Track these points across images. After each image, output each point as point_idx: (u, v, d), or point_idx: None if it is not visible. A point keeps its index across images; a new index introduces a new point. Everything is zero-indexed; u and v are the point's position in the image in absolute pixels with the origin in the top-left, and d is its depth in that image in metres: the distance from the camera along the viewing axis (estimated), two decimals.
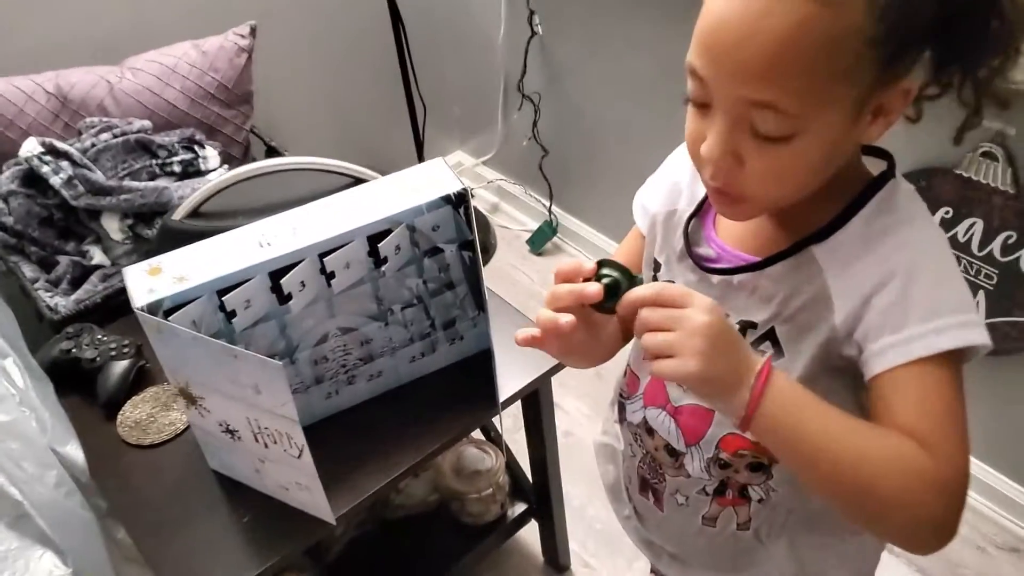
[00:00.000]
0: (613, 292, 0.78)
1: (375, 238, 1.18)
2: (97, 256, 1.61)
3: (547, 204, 2.57)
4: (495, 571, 1.80)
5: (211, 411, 1.17)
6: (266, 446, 1.15)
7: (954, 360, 0.74)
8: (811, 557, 0.95)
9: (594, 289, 0.77)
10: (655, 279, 0.96)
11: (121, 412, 1.39)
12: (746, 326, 0.84)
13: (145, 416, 1.38)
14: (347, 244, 1.17)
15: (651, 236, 0.96)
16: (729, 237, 0.88)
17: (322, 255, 1.16)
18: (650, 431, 0.98)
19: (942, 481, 0.71)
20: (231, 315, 1.15)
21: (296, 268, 1.15)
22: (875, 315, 0.76)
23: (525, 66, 2.31)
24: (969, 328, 0.74)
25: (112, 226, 1.60)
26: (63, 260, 1.60)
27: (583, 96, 2.27)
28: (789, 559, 0.94)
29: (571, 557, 1.79)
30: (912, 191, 0.81)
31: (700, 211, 0.91)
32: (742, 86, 0.70)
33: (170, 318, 1.11)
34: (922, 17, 0.68)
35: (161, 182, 1.61)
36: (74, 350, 1.44)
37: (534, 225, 2.64)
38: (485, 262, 2.61)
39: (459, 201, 1.21)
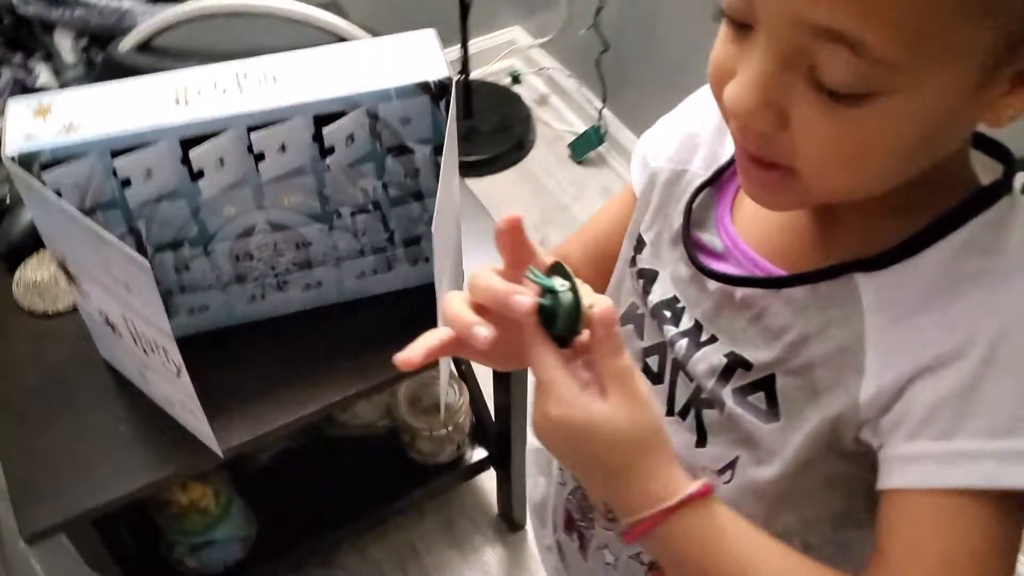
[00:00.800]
0: (551, 317, 0.52)
1: (323, 120, 0.93)
2: (43, 75, 1.37)
3: (599, 107, 2.27)
4: (443, 513, 1.60)
5: (90, 296, 0.95)
6: (146, 352, 0.93)
7: (1011, 502, 0.49)
8: None
9: (524, 306, 0.52)
10: (633, 261, 0.69)
11: (22, 267, 1.18)
12: (737, 363, 0.59)
13: (47, 278, 1.17)
14: (284, 121, 0.91)
15: (644, 199, 0.69)
16: (748, 229, 0.62)
17: (251, 128, 0.91)
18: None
19: None
20: (126, 183, 0.92)
21: (213, 140, 0.90)
22: (921, 402, 0.51)
23: None
24: None
25: (64, 44, 1.36)
26: (5, 73, 1.37)
27: None
28: None
29: (527, 516, 1.57)
30: None
31: (717, 181, 0.64)
32: (811, 4, 0.43)
33: (47, 174, 0.88)
34: None
35: (126, 2, 1.35)
36: None
37: (581, 128, 2.35)
38: (518, 160, 2.34)
39: (440, 92, 0.95)
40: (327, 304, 1.12)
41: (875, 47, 0.42)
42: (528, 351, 0.53)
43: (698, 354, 0.61)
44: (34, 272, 1.17)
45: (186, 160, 0.91)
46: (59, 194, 0.89)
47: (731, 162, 0.63)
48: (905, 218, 0.53)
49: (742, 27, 0.48)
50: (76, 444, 1.02)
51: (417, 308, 1.01)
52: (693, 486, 0.52)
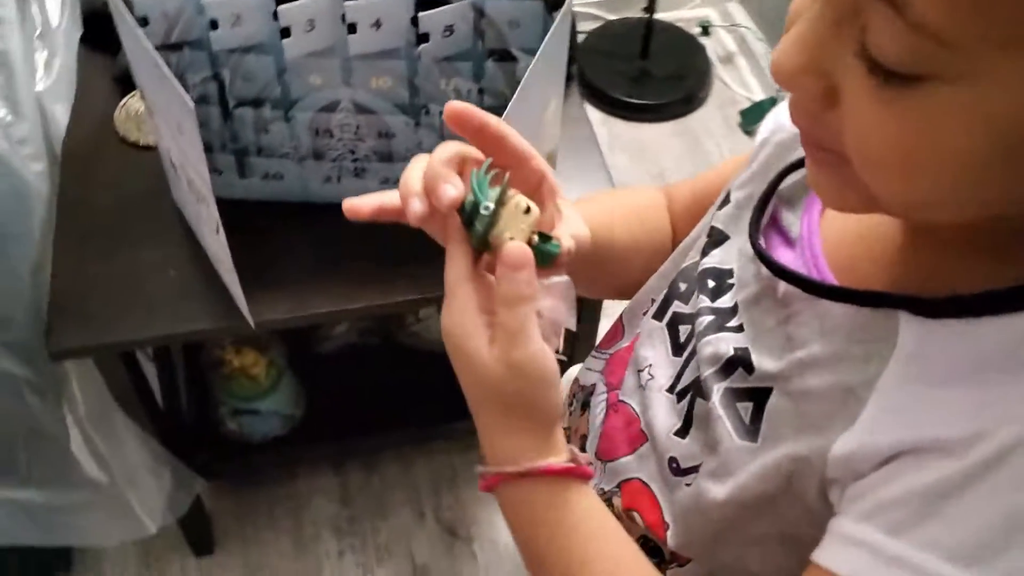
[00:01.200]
0: (468, 224, 0.48)
1: (425, 3, 0.86)
2: None
3: None
4: None
5: (160, 131, 0.93)
6: (196, 202, 0.91)
7: None
8: None
9: (444, 198, 0.46)
10: (716, 212, 0.60)
11: (131, 95, 1.18)
12: (740, 362, 0.51)
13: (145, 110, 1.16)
14: None
15: (753, 155, 0.60)
16: (832, 224, 0.52)
17: None
18: (585, 406, 0.67)
19: None
20: (213, 25, 0.88)
21: None
22: (896, 484, 0.41)
23: None
24: None
25: None
26: None
27: None
28: None
29: None
30: None
31: None
32: None
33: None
34: None
35: None
36: None
37: (759, 97, 2.20)
38: (682, 114, 2.21)
39: (556, 2, 0.86)
40: None
41: (923, 12, 0.32)
42: (446, 247, 0.50)
43: (714, 336, 0.54)
44: (139, 102, 1.16)
45: (277, 15, 0.87)
46: (146, 21, 0.87)
47: None
48: (988, 271, 0.42)
49: None
50: (123, 277, 1.02)
51: None
52: (547, 462, 0.49)
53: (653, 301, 0.64)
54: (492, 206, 0.47)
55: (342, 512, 1.45)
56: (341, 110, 0.96)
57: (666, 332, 0.60)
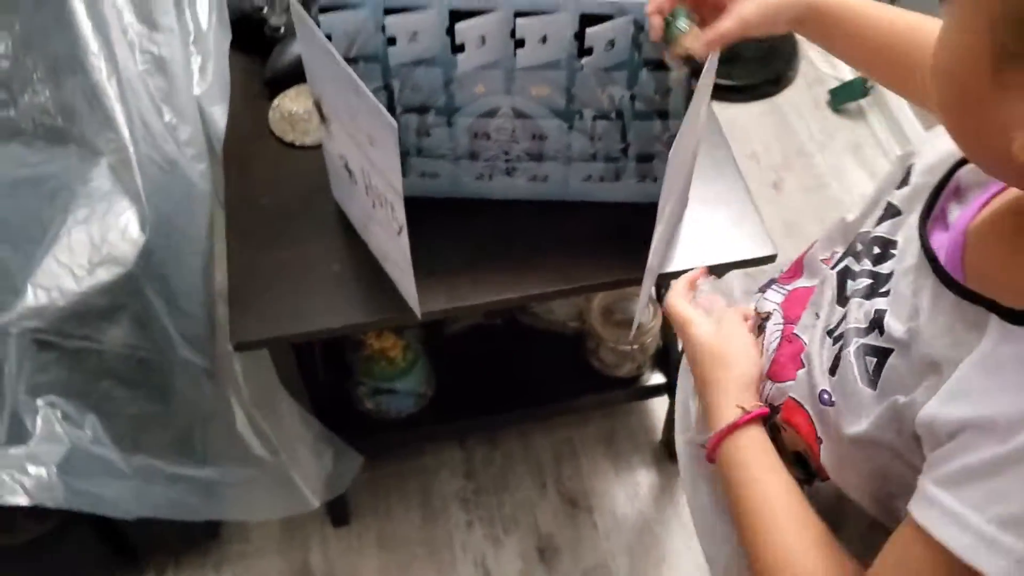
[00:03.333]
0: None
1: (589, 20, 0.92)
2: None
3: None
4: (608, 424, 1.62)
5: (335, 138, 1.00)
6: (373, 205, 0.98)
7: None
8: None
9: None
10: (902, 183, 0.68)
11: (281, 96, 1.26)
12: (877, 324, 0.62)
13: (300, 111, 1.24)
14: (551, 13, 0.91)
15: (939, 134, 0.66)
16: (979, 224, 0.59)
17: (518, 14, 0.92)
18: (761, 329, 0.79)
19: None
20: (391, 41, 0.95)
21: (481, 17, 0.92)
22: (957, 455, 0.52)
23: None
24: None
25: None
26: None
27: None
28: None
29: None
30: None
31: None
32: None
33: (324, 17, 0.93)
34: None
35: None
36: (266, 9, 1.30)
37: (848, 76, 2.22)
38: (772, 93, 2.25)
39: None
40: (548, 199, 1.13)
41: None
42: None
43: (868, 301, 0.64)
44: (291, 103, 1.24)
45: (450, 31, 0.93)
46: (329, 38, 0.94)
47: None
48: None
49: None
50: (293, 271, 1.10)
51: (634, 224, 1.02)
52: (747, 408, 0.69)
53: (834, 253, 0.74)
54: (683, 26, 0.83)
55: (468, 485, 1.54)
56: (500, 115, 1.03)
57: (835, 280, 0.70)
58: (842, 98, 2.20)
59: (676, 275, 1.07)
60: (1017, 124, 0.47)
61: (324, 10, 0.92)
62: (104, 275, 1.04)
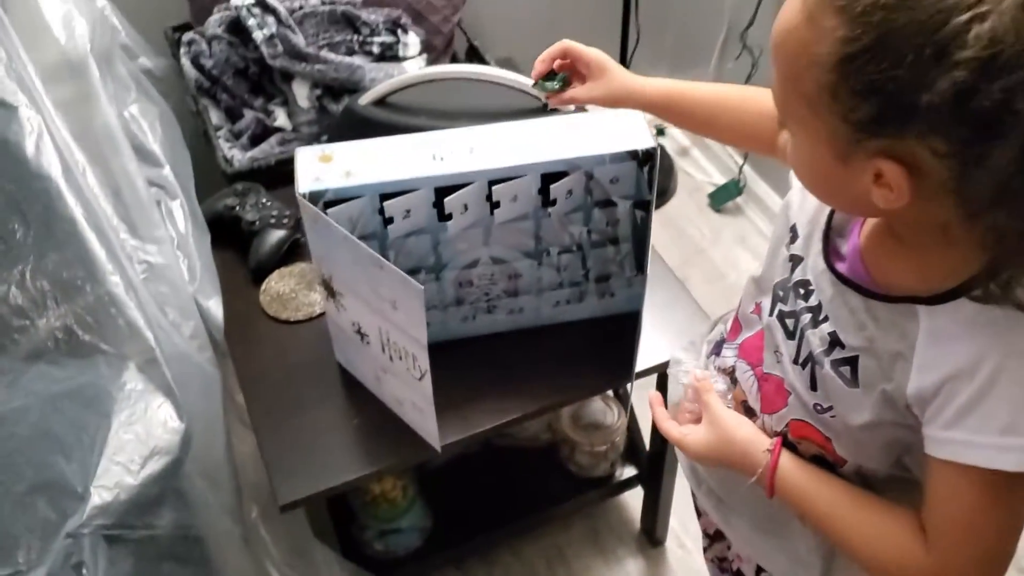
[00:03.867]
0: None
1: (549, 177, 1.12)
2: (280, 118, 1.61)
3: (740, 162, 2.43)
4: (589, 524, 1.76)
5: (347, 309, 1.16)
6: (391, 359, 1.13)
7: (1011, 477, 0.71)
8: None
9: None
10: (788, 247, 0.89)
11: (267, 281, 1.41)
12: (835, 342, 0.80)
13: (288, 291, 1.39)
14: (520, 177, 1.11)
15: (801, 201, 0.88)
16: (867, 244, 0.80)
17: (492, 182, 1.11)
18: (735, 381, 0.96)
19: (922, 571, 0.77)
20: (389, 221, 1.12)
21: (463, 190, 1.10)
22: (946, 401, 0.72)
23: (755, 17, 2.15)
24: None
25: (301, 92, 1.59)
26: (248, 114, 1.62)
27: None
28: (822, 543, 0.93)
29: (668, 533, 1.73)
30: None
31: None
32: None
33: (330, 210, 1.09)
34: (901, 92, 0.60)
35: (357, 59, 1.58)
36: (237, 208, 1.45)
37: (721, 180, 2.51)
38: (659, 205, 2.51)
39: (646, 159, 1.13)
40: (525, 328, 1.31)
41: (775, 91, 0.71)
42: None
43: (816, 329, 0.82)
44: (279, 285, 1.40)
45: (437, 204, 1.11)
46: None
47: None
48: (947, 266, 0.72)
49: None
50: (318, 432, 1.23)
51: (599, 335, 1.24)
52: (769, 448, 0.87)
53: (758, 305, 0.93)
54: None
55: None
56: (481, 264, 1.21)
57: (777, 324, 0.88)
58: (720, 199, 2.48)
59: (641, 374, 1.28)
60: (869, 187, 0.67)
61: (330, 205, 1.09)
62: (155, 466, 1.15)
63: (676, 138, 2.67)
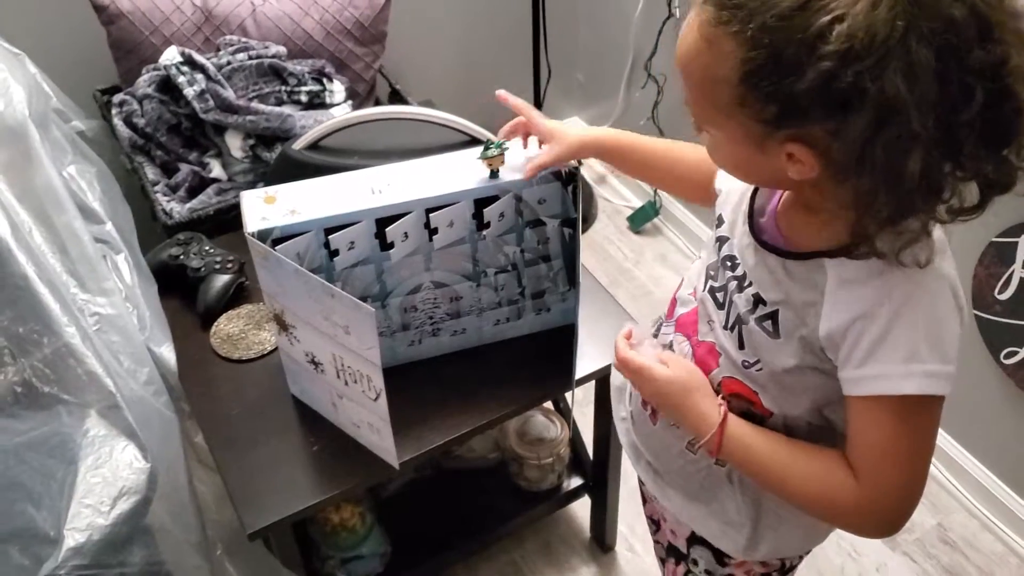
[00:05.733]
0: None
1: (482, 202, 1.21)
2: (216, 170, 1.67)
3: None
4: (541, 537, 1.83)
5: (300, 341, 1.22)
6: (346, 383, 1.20)
7: (918, 401, 0.82)
8: (770, 507, 1.03)
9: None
10: (717, 228, 1.01)
11: (216, 323, 1.46)
12: (758, 301, 0.91)
13: (237, 331, 1.45)
14: (454, 204, 1.19)
15: (726, 195, 1.01)
16: (781, 216, 0.92)
17: (429, 210, 1.19)
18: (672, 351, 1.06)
19: (863, 504, 0.86)
20: (334, 253, 1.19)
21: (402, 219, 1.18)
22: (855, 343, 0.83)
23: (656, 46, 2.28)
24: (935, 378, 0.81)
25: (234, 143, 1.66)
26: (184, 168, 1.67)
27: None
28: (750, 504, 1.03)
29: (617, 538, 1.81)
30: (939, 232, 0.84)
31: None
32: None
33: (278, 247, 1.16)
34: (794, 91, 0.72)
35: (286, 109, 1.66)
36: (182, 257, 1.51)
37: (638, 203, 2.63)
38: (583, 231, 2.62)
39: (569, 179, 1.23)
40: (468, 347, 1.39)
41: (691, 103, 0.82)
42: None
43: (741, 294, 0.94)
44: (227, 327, 1.45)
45: (379, 234, 1.19)
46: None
47: None
48: (847, 226, 0.81)
49: None
50: (279, 462, 1.28)
51: (538, 349, 1.34)
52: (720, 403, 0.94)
53: (695, 288, 1.04)
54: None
55: None
56: (424, 289, 1.28)
57: (709, 297, 0.99)
58: (639, 221, 2.60)
59: (579, 382, 1.36)
60: (785, 166, 0.78)
61: (278, 242, 1.16)
62: (124, 505, 1.19)
63: (594, 167, 2.79)
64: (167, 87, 1.67)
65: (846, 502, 0.87)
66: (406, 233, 1.20)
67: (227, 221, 1.61)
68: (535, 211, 1.25)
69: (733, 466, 0.99)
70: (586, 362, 1.39)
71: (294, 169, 1.47)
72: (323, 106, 1.72)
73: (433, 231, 1.21)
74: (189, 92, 1.61)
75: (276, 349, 1.40)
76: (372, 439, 1.26)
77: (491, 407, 1.34)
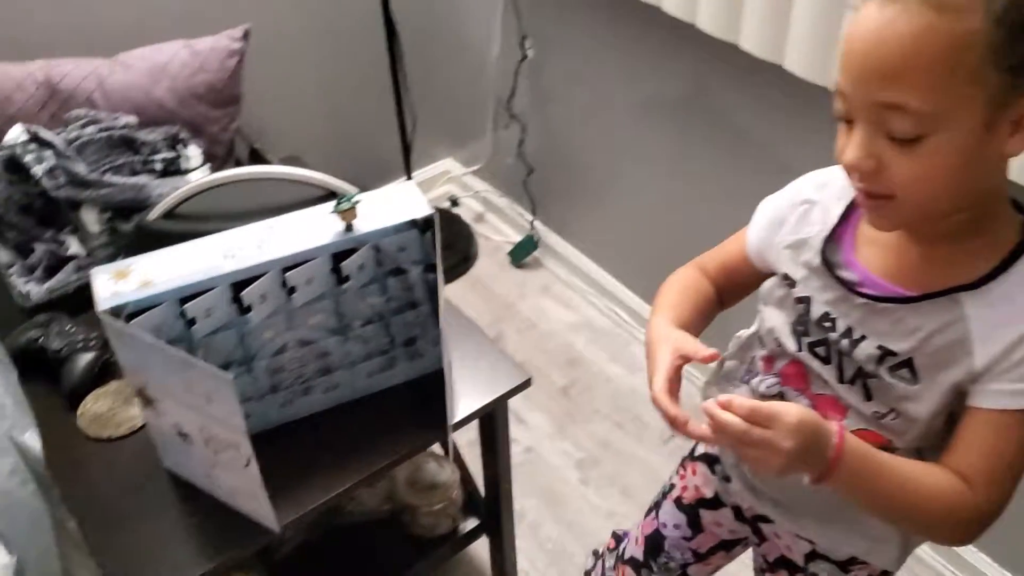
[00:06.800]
0: None
1: (339, 256, 1.21)
2: (73, 246, 1.63)
3: (530, 219, 2.60)
4: None
5: (166, 414, 1.20)
6: (216, 453, 1.18)
7: None
8: None
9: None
10: (789, 286, 1.01)
11: (83, 404, 1.42)
12: (886, 352, 0.92)
13: (106, 410, 1.41)
14: (310, 261, 1.19)
15: (775, 254, 1.03)
16: (870, 263, 0.94)
17: (285, 270, 1.19)
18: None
19: (983, 513, 0.88)
20: (191, 322, 1.18)
21: (258, 281, 1.18)
22: (1008, 362, 0.85)
23: (515, 87, 2.33)
24: None
25: (90, 218, 1.62)
26: (39, 247, 1.63)
27: (568, 121, 2.30)
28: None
29: (519, 574, 1.81)
30: None
31: (835, 234, 0.98)
32: (875, 91, 0.78)
33: (133, 321, 1.14)
34: None
35: (142, 179, 1.63)
36: (42, 339, 1.46)
37: (517, 238, 2.67)
38: (465, 270, 2.64)
39: (426, 226, 1.24)
40: (344, 402, 1.38)
41: (915, 107, 0.76)
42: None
43: (857, 349, 0.94)
44: (94, 406, 1.41)
45: (236, 299, 1.18)
46: None
47: (844, 217, 0.97)
48: (984, 253, 0.86)
49: (848, 122, 0.83)
50: (159, 538, 1.25)
51: (417, 396, 1.34)
52: (836, 435, 0.86)
53: (779, 343, 1.04)
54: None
55: None
56: (289, 349, 1.28)
57: (810, 355, 1.00)
58: (519, 255, 2.64)
59: (458, 425, 1.37)
60: (1005, 143, 0.79)
61: (132, 316, 1.14)
62: None
63: (470, 206, 2.82)
64: (15, 167, 1.62)
65: (963, 513, 0.88)
66: (263, 295, 1.20)
67: (89, 298, 1.56)
68: (395, 259, 1.26)
69: (846, 488, 0.90)
70: (466, 402, 1.40)
71: (152, 240, 1.45)
72: (180, 172, 1.70)
73: (292, 290, 1.21)
74: (38, 170, 1.57)
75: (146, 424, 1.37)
76: (250, 505, 1.24)
77: (371, 460, 1.33)
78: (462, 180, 2.84)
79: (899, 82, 0.76)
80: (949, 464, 0.89)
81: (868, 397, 0.95)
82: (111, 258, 1.63)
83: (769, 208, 1.08)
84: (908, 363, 0.90)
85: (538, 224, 2.60)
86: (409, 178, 2.49)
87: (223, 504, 1.28)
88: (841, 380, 0.97)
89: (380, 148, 2.51)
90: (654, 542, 1.38)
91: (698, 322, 1.09)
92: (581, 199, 2.41)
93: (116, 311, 1.13)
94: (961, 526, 0.89)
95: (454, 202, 2.79)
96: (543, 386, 2.24)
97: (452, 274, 2.60)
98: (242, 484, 1.20)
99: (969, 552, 1.81)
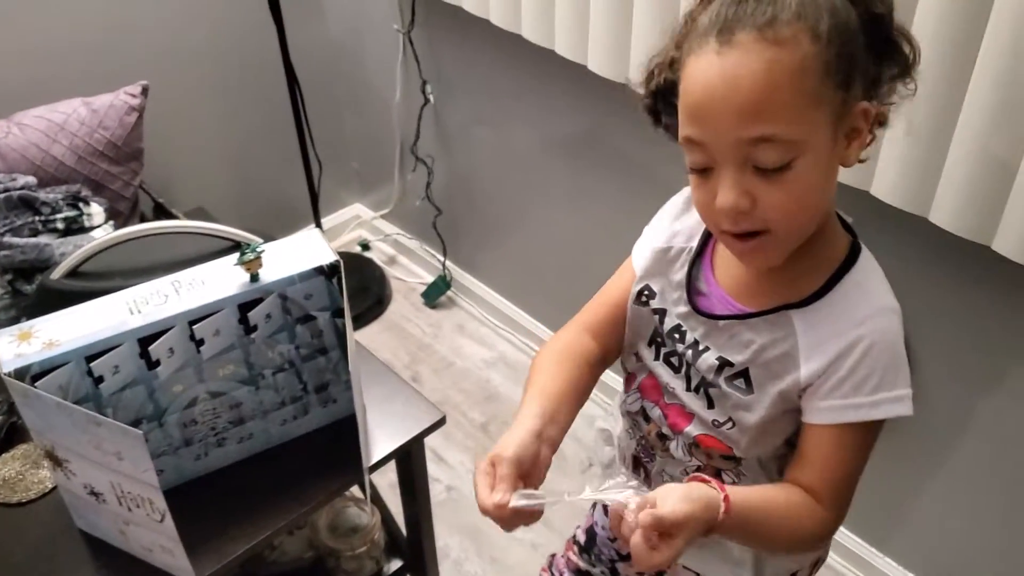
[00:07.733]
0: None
1: (246, 306, 1.22)
2: None
3: (442, 260, 2.63)
4: None
5: (76, 474, 1.19)
6: (129, 509, 1.18)
7: (880, 423, 0.93)
8: None
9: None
10: (644, 303, 1.07)
11: None
12: (724, 363, 0.99)
13: (14, 474, 1.39)
14: (217, 312, 1.20)
15: (644, 270, 1.08)
16: (723, 279, 1.00)
17: (192, 322, 1.19)
18: (647, 418, 1.13)
19: (829, 524, 0.96)
20: (99, 380, 1.18)
21: (165, 335, 1.18)
22: (830, 379, 0.92)
23: (418, 131, 2.37)
24: (900, 403, 0.92)
25: None
26: None
27: (472, 163, 2.34)
28: None
29: None
30: (870, 258, 0.95)
31: (701, 253, 1.04)
32: (740, 130, 0.82)
33: (38, 383, 1.13)
34: (857, 42, 0.83)
35: (43, 238, 1.62)
36: None
37: (429, 279, 2.70)
38: (380, 313, 2.66)
39: (332, 272, 1.26)
40: (259, 451, 1.38)
41: (782, 135, 0.81)
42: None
43: (700, 359, 1.01)
44: (3, 470, 1.39)
45: (144, 354, 1.18)
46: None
47: (708, 239, 1.04)
48: (815, 273, 0.93)
49: (705, 171, 0.87)
50: None
51: (332, 442, 1.35)
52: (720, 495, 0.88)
53: (638, 355, 1.11)
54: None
55: None
56: (200, 401, 1.28)
57: (663, 365, 1.07)
58: (433, 296, 2.66)
59: (374, 467, 1.38)
60: (851, 154, 0.88)
61: (36, 377, 1.13)
62: None
63: (382, 249, 2.84)
64: None
65: (818, 529, 0.95)
66: (171, 348, 1.20)
67: None
68: (303, 307, 1.28)
69: (726, 535, 0.91)
70: (382, 444, 1.41)
71: (55, 299, 1.43)
72: (82, 230, 1.69)
73: (200, 342, 1.21)
74: None
75: (57, 486, 1.35)
76: (167, 560, 1.23)
77: (289, 507, 1.34)
78: (372, 224, 2.87)
79: (762, 116, 0.81)
80: (799, 480, 0.96)
81: (710, 405, 1.02)
82: (14, 320, 1.61)
83: (647, 233, 1.14)
84: (744, 373, 0.98)
85: (450, 264, 2.64)
86: (318, 225, 2.50)
87: (140, 561, 1.27)
88: (688, 388, 1.05)
89: (288, 196, 2.52)
90: (590, 536, 1.46)
91: (572, 398, 1.05)
92: (489, 237, 2.46)
93: (20, 373, 1.12)
94: (816, 539, 0.98)
95: (365, 246, 2.81)
96: (462, 424, 2.27)
97: (367, 317, 2.61)
98: (158, 539, 1.20)
99: (876, 558, 1.88)
